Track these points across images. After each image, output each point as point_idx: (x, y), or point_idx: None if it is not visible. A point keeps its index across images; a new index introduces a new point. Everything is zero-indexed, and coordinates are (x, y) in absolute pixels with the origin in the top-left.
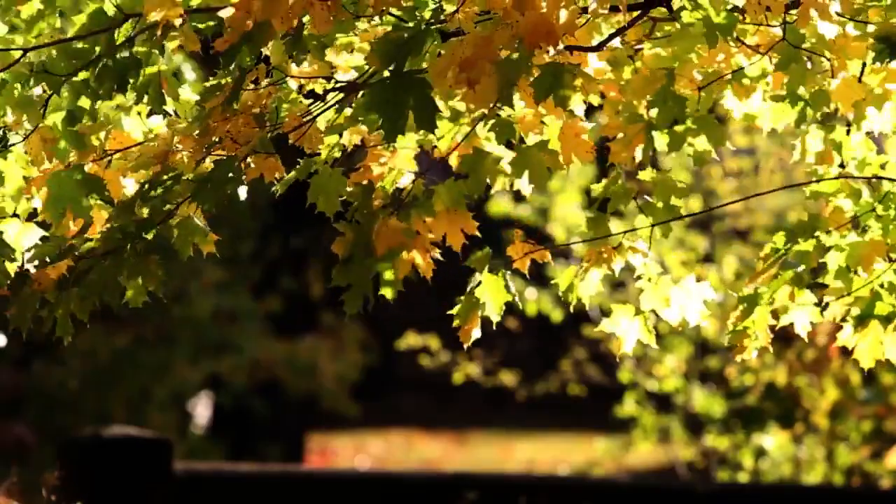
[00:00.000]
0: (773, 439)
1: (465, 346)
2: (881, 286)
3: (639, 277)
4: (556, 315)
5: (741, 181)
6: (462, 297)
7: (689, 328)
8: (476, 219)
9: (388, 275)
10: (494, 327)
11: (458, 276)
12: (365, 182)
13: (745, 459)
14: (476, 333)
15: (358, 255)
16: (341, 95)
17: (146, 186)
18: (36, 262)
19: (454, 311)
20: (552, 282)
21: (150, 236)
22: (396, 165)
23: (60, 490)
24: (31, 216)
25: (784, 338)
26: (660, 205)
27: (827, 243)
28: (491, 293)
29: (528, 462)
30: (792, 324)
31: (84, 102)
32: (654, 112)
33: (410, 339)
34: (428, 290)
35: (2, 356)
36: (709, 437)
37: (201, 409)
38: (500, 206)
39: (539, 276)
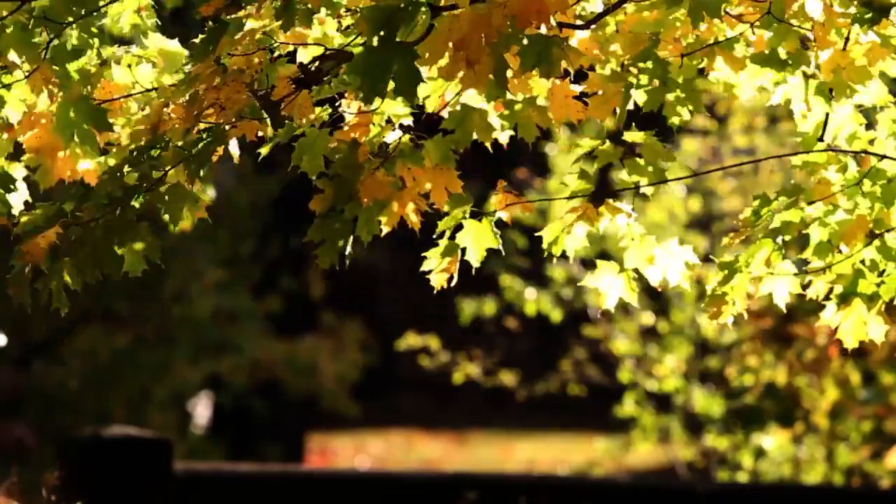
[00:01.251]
0: (773, 439)
1: (436, 290)
2: (862, 262)
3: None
4: (556, 315)
5: (741, 181)
6: (441, 241)
7: (688, 328)
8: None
9: (369, 218)
10: (494, 327)
11: (458, 278)
12: (349, 139)
13: (744, 459)
14: (453, 278)
15: (337, 208)
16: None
17: (135, 153)
18: (27, 231)
19: (430, 252)
20: (552, 279)
21: (137, 203)
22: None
23: (60, 490)
24: (13, 157)
25: (784, 338)
26: (647, 166)
27: (812, 216)
28: (473, 238)
29: (528, 462)
30: (771, 294)
31: (86, 43)
32: (635, 71)
33: (410, 339)
34: (428, 290)
35: (2, 356)
36: (709, 437)
37: (201, 409)
38: None
39: (538, 276)
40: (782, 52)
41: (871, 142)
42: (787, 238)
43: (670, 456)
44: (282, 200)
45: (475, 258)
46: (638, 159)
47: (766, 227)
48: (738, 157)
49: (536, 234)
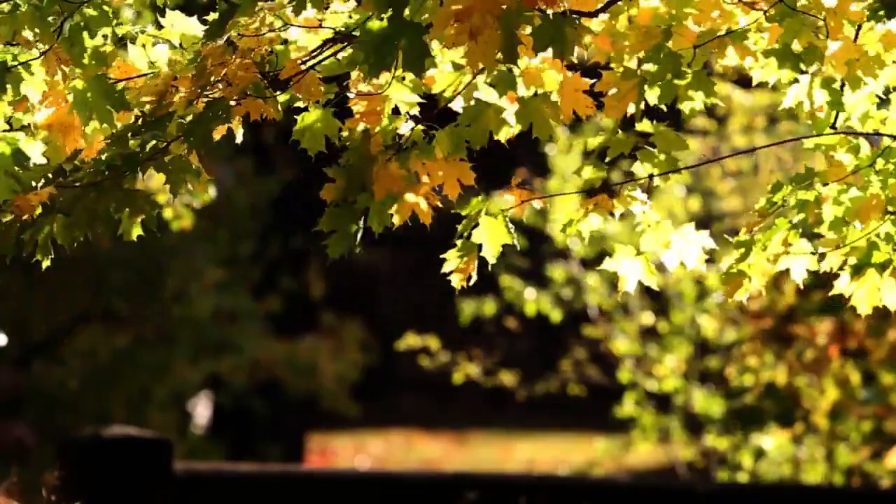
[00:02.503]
0: (773, 439)
1: (457, 290)
2: (878, 236)
3: (638, 224)
4: (556, 315)
5: (740, 181)
6: (458, 242)
7: (688, 328)
8: None
9: (381, 209)
10: (494, 327)
11: None
12: (360, 127)
13: (744, 459)
14: (472, 277)
15: (349, 199)
16: (338, 46)
17: (138, 121)
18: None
19: (448, 254)
20: (552, 279)
21: (136, 171)
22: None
23: (60, 490)
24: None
25: (784, 338)
26: (661, 156)
27: (826, 195)
28: (489, 235)
29: (528, 462)
30: (788, 270)
31: (102, 21)
32: (648, 67)
33: (410, 340)
34: (428, 290)
35: (2, 356)
36: (709, 437)
37: (201, 409)
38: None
39: (538, 277)
40: (796, 47)
41: (884, 121)
42: (802, 217)
43: (670, 456)
44: (281, 201)
45: (491, 254)
46: (650, 149)
47: (781, 211)
48: (737, 158)
49: (537, 233)
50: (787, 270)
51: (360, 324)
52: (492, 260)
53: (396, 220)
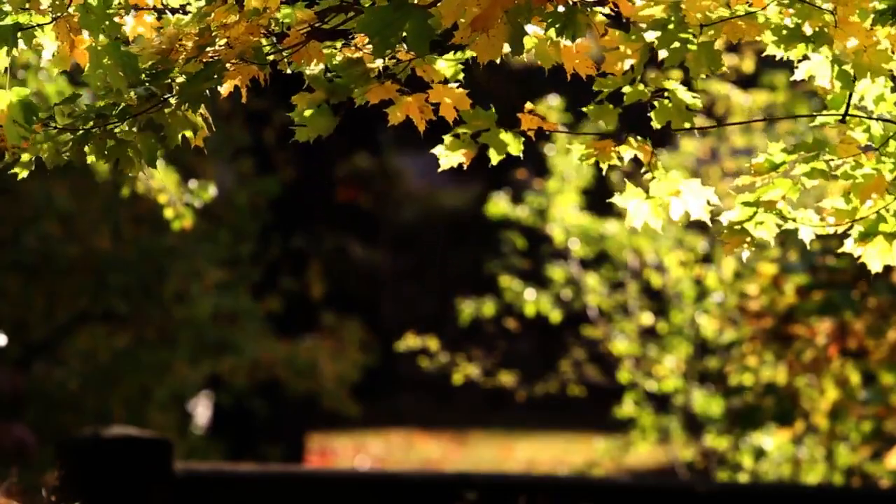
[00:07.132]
0: (773, 439)
1: (441, 169)
2: (886, 210)
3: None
4: (556, 316)
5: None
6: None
7: (687, 329)
8: (475, 220)
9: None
10: (494, 327)
11: (457, 280)
12: (355, 56)
13: (744, 459)
14: (464, 166)
15: (332, 101)
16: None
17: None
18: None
19: (446, 136)
20: (551, 280)
21: (128, 123)
22: None
23: (60, 490)
24: None
25: (784, 338)
26: (670, 104)
27: (837, 165)
28: (496, 139)
29: (528, 462)
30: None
31: None
32: (655, 34)
33: (410, 341)
34: (428, 290)
35: (2, 356)
36: (708, 437)
37: (201, 409)
38: (498, 207)
39: (538, 277)
40: (807, 30)
41: None
42: (812, 183)
43: (670, 456)
44: (282, 201)
45: (494, 157)
46: (666, 101)
47: (786, 173)
48: (736, 158)
49: (537, 234)
50: (786, 272)
51: (360, 324)
52: (494, 162)
53: (391, 120)
